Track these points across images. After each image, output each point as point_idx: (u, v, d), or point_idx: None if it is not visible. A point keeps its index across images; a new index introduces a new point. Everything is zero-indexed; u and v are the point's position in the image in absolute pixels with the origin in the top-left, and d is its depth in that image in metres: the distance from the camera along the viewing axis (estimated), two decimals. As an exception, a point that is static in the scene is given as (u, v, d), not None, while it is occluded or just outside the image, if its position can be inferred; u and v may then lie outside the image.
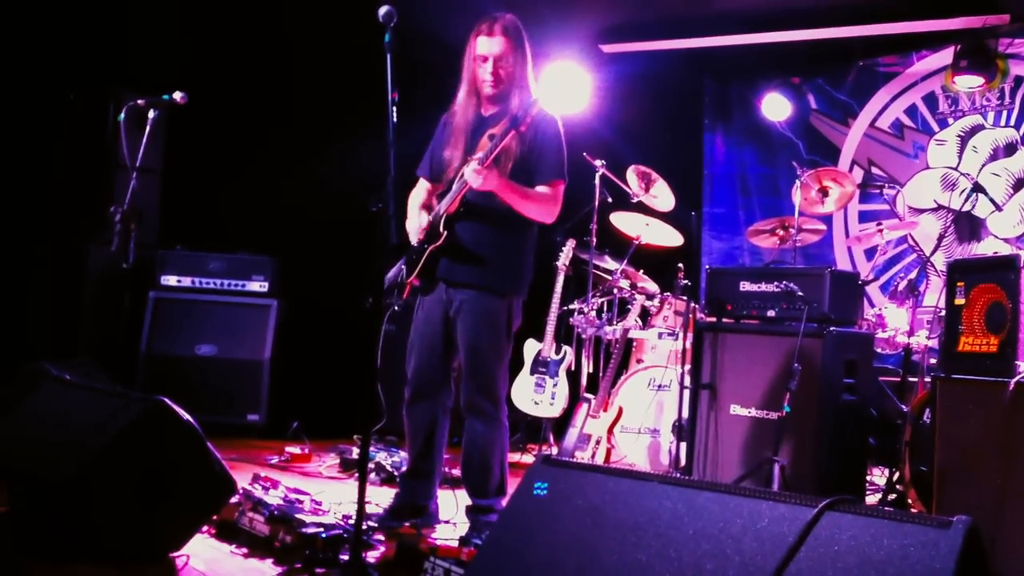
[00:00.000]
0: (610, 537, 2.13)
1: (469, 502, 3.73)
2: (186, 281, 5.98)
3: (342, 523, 3.23)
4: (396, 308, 3.72)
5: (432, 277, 3.65)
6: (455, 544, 3.29)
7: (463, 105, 3.66)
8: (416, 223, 3.73)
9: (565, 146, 3.64)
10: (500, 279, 3.60)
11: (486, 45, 3.55)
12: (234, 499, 3.31)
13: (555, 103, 6.69)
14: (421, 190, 3.84)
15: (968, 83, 6.12)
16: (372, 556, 3.12)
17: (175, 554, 3.03)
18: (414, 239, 3.71)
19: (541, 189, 3.58)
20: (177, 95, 4.19)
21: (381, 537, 3.42)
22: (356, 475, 4.75)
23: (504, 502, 3.69)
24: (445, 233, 3.56)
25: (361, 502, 2.84)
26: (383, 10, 2.93)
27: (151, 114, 4.23)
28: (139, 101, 4.26)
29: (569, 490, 2.29)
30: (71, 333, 5.69)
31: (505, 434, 3.69)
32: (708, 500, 2.10)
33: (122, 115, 4.27)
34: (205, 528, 3.27)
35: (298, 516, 3.22)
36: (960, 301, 3.70)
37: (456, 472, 4.55)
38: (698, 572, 1.98)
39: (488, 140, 3.48)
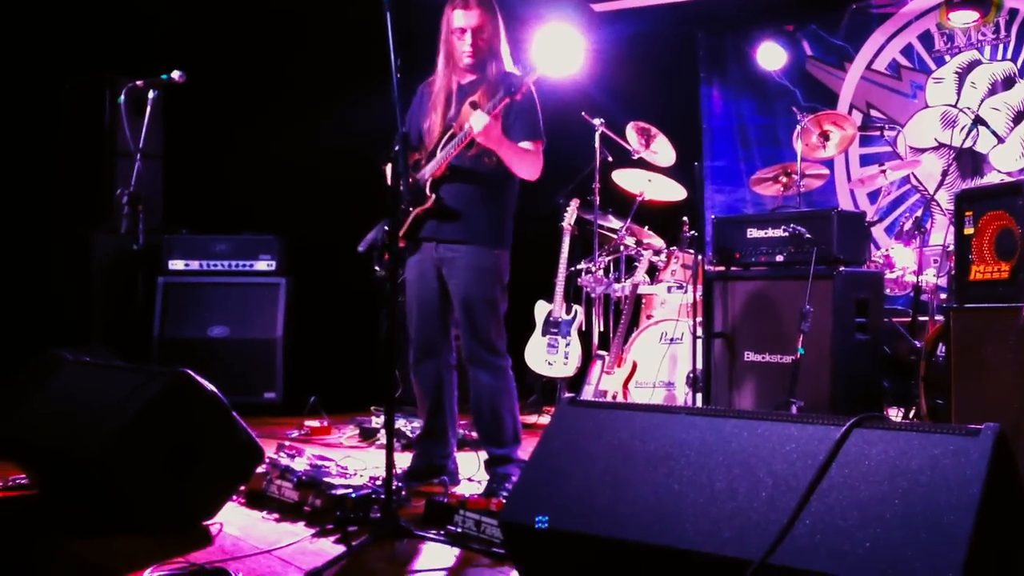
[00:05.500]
0: (642, 469, 2.16)
1: (486, 456, 3.77)
2: (194, 265, 6.00)
3: (370, 484, 3.26)
4: (377, 270, 3.78)
5: (417, 238, 3.71)
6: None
7: (440, 75, 3.73)
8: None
9: (539, 111, 3.69)
10: (488, 234, 3.68)
11: (463, 18, 3.61)
12: (260, 469, 3.35)
13: (546, 65, 6.73)
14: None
15: (963, 19, 6.08)
16: (401, 513, 3.15)
17: (208, 522, 3.07)
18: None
19: (525, 146, 3.65)
20: (175, 74, 4.18)
21: (407, 496, 3.45)
22: (377, 443, 4.83)
23: (519, 451, 3.74)
24: (433, 196, 3.63)
25: (389, 458, 2.87)
26: (380, -31, 2.93)
27: (151, 95, 4.21)
28: (138, 82, 4.23)
29: (597, 429, 2.32)
30: (83, 322, 5.71)
31: (511, 382, 3.74)
32: (736, 427, 2.12)
33: (122, 97, 4.26)
34: (234, 498, 3.30)
35: (326, 480, 3.26)
36: (969, 231, 3.71)
37: (475, 435, 4.59)
38: (732, 496, 2.01)
39: (471, 107, 3.54)
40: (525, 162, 3.63)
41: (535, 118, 3.67)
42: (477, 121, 3.45)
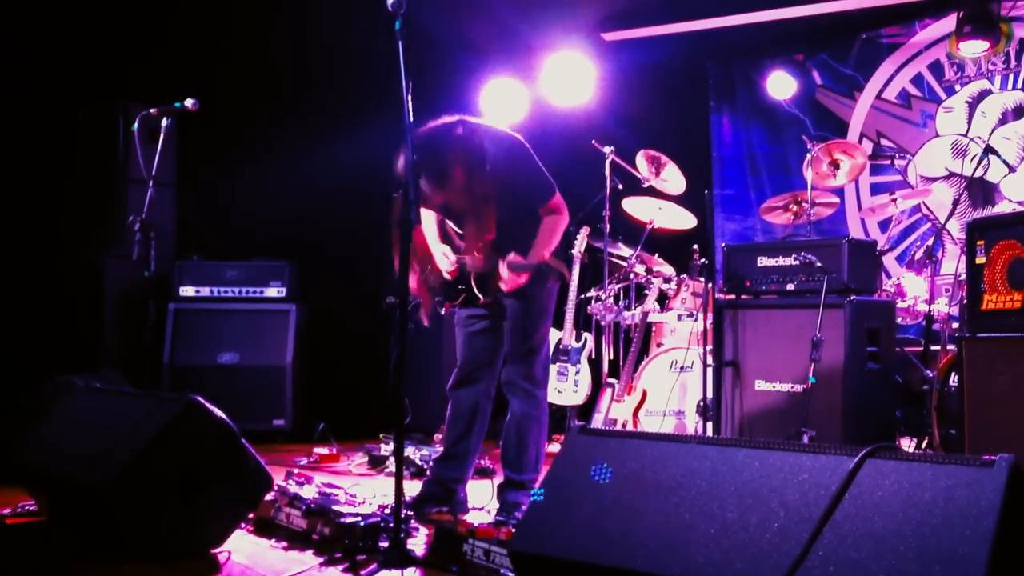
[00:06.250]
0: (653, 499, 2.14)
1: (501, 480, 3.78)
2: (204, 291, 6.02)
3: (378, 512, 3.25)
4: (443, 314, 3.83)
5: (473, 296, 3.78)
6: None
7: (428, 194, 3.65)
8: (439, 253, 3.75)
9: (536, 159, 3.66)
10: (539, 273, 3.69)
11: (446, 195, 3.54)
12: (269, 496, 3.33)
13: (560, 93, 6.78)
14: (428, 216, 3.84)
15: (973, 49, 6.09)
16: (410, 542, 3.13)
17: (216, 550, 3.05)
18: (444, 271, 3.76)
19: (546, 214, 3.67)
20: (189, 102, 4.20)
21: (416, 525, 3.43)
22: (386, 470, 4.81)
23: (537, 481, 3.73)
24: (482, 295, 3.67)
25: (399, 487, 2.85)
26: (392, -1, 2.95)
27: (164, 123, 4.24)
28: (151, 110, 4.26)
29: (608, 457, 2.30)
30: (94, 347, 5.72)
31: (544, 413, 3.79)
32: (747, 456, 2.11)
33: (135, 125, 4.29)
34: (243, 525, 3.29)
35: (335, 508, 3.24)
36: (981, 260, 3.70)
37: (487, 462, 4.59)
38: (743, 527, 1.99)
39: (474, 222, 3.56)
40: (556, 236, 3.68)
41: (538, 173, 3.65)
42: (507, 277, 3.52)
